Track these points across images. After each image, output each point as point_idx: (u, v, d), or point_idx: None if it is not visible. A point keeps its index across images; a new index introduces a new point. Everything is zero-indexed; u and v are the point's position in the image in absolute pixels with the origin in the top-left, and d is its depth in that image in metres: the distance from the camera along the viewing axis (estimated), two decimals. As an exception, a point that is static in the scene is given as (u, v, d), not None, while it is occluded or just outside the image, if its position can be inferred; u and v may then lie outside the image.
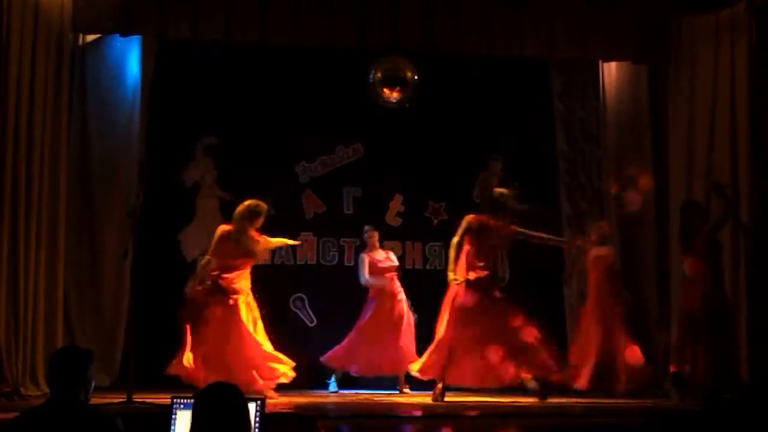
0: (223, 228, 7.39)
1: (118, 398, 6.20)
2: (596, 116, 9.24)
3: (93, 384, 3.76)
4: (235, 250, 7.29)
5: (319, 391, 8.02)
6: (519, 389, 7.52)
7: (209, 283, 7.29)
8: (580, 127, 9.40)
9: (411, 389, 8.25)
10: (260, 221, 7.41)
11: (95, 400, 4.17)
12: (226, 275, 7.29)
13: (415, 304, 9.24)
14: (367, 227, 8.64)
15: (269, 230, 9.10)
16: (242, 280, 7.33)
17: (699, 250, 7.69)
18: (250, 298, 7.35)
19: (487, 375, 7.17)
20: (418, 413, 6.62)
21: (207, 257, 7.44)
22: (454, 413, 6.67)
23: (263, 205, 7.44)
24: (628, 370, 8.10)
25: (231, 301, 7.22)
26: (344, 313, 9.08)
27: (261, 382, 7.08)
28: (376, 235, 8.61)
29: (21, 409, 5.48)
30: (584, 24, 8.30)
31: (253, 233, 7.38)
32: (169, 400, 3.95)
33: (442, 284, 8.68)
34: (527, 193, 9.46)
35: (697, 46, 8.35)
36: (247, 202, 7.41)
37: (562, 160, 9.38)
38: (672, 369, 7.67)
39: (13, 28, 7.20)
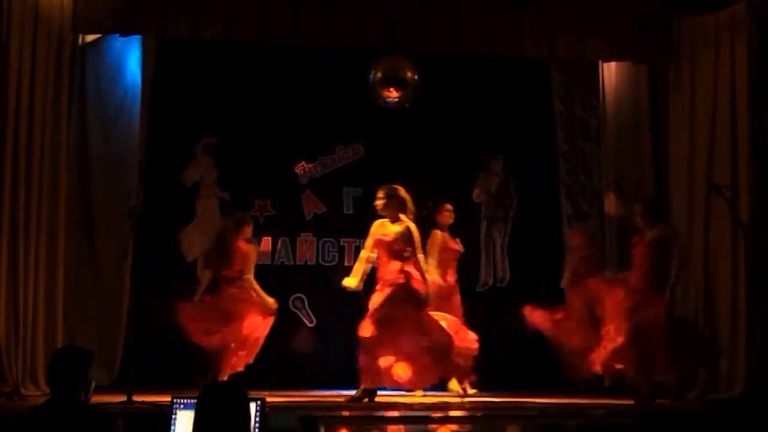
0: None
1: (118, 398, 6.20)
2: (596, 116, 9.23)
3: (93, 384, 3.77)
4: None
5: (319, 391, 8.02)
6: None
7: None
8: (580, 127, 9.40)
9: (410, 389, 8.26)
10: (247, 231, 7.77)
11: (95, 400, 4.17)
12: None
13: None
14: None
15: (270, 231, 9.15)
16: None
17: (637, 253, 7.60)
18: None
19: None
20: (418, 413, 6.61)
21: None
22: (455, 413, 6.67)
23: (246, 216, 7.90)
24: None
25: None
26: (344, 314, 9.09)
27: None
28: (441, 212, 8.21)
29: (21, 409, 5.49)
30: (584, 24, 8.30)
31: (241, 245, 7.69)
32: (169, 400, 3.96)
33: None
34: (527, 193, 9.52)
35: (697, 46, 8.35)
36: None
37: (562, 160, 9.38)
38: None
39: (13, 28, 7.20)
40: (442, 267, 7.97)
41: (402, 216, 7.29)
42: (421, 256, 7.29)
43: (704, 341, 7.87)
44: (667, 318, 7.29)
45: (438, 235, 8.05)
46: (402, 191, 7.36)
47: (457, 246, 8.19)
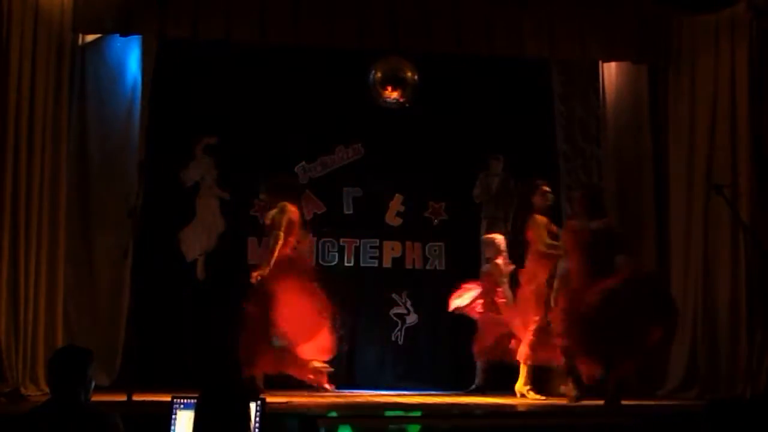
0: None
1: (118, 398, 6.20)
2: (596, 116, 9.23)
3: (93, 384, 3.76)
4: None
5: (319, 391, 8.01)
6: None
7: None
8: (580, 127, 9.39)
9: (410, 389, 8.26)
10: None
11: (95, 400, 4.16)
12: None
13: (415, 304, 9.26)
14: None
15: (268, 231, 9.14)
16: None
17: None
18: None
19: None
20: (418, 413, 6.61)
21: None
22: (455, 413, 6.67)
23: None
24: None
25: None
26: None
27: None
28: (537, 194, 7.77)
29: (21, 409, 5.48)
30: (584, 24, 8.31)
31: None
32: (169, 400, 3.96)
33: (443, 284, 8.72)
34: (528, 193, 9.50)
35: (697, 46, 8.35)
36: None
37: (562, 160, 9.38)
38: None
39: (13, 28, 7.19)
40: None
41: (286, 200, 7.39)
42: (279, 233, 7.27)
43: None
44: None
45: (539, 219, 7.76)
46: (282, 178, 7.62)
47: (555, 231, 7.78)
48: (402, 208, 9.40)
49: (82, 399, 3.67)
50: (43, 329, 7.26)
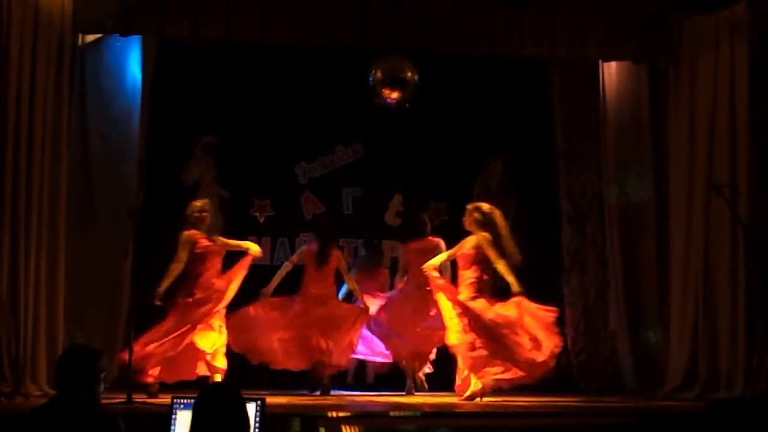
0: None
1: (118, 398, 6.20)
2: (596, 116, 9.23)
3: (102, 385, 3.74)
4: None
5: (318, 392, 8.01)
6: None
7: None
8: (580, 127, 9.39)
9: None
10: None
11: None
12: None
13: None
14: None
15: (269, 231, 9.16)
16: None
17: None
18: None
19: None
20: (418, 413, 6.62)
21: None
22: (454, 413, 6.67)
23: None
24: None
25: None
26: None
27: None
28: None
29: (22, 409, 5.49)
30: (584, 24, 8.31)
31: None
32: (169, 400, 3.96)
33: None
34: (527, 193, 9.50)
35: (697, 46, 8.35)
36: None
37: (562, 160, 9.38)
38: None
39: (13, 28, 7.20)
40: None
41: None
42: None
43: None
44: None
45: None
46: None
47: None
48: (402, 208, 9.39)
49: (86, 399, 3.66)
50: (43, 329, 7.27)
